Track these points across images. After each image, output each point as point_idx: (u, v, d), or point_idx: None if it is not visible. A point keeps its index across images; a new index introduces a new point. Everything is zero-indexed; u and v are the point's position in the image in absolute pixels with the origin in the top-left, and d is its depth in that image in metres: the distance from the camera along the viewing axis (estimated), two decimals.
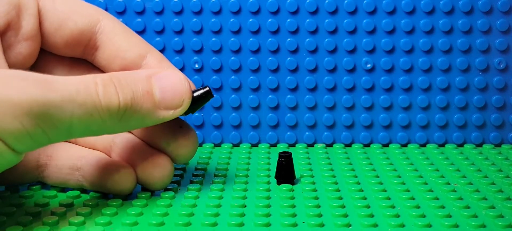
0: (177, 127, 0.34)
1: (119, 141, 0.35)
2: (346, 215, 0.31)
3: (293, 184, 0.36)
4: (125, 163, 0.34)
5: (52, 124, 0.27)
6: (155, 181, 0.34)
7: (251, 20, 0.45)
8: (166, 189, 0.35)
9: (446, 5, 0.45)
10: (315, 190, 0.35)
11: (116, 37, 0.34)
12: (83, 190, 0.35)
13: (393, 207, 0.32)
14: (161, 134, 0.34)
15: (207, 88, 0.33)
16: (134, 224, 0.30)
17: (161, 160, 0.34)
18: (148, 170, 0.34)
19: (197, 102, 0.33)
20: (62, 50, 0.34)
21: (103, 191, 0.34)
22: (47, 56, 0.35)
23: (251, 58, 0.45)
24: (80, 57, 0.35)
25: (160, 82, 0.31)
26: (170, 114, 0.31)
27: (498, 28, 0.45)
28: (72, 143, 0.36)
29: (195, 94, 0.33)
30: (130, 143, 0.35)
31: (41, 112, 0.26)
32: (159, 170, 0.34)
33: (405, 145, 0.46)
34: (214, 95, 0.33)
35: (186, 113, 0.33)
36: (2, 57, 0.30)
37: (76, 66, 0.35)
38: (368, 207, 0.32)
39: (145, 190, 0.35)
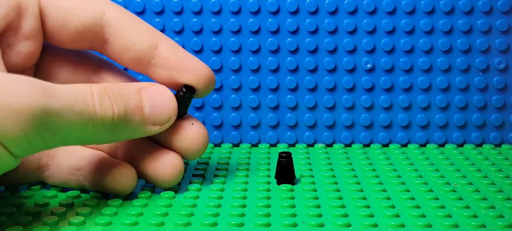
0: (189, 124, 0.34)
1: (125, 141, 0.35)
2: (346, 215, 0.31)
3: (293, 184, 0.36)
4: (125, 162, 0.34)
5: (50, 131, 0.27)
6: (165, 179, 0.34)
7: (251, 20, 0.45)
8: (166, 189, 0.35)
9: (446, 5, 0.45)
10: (315, 190, 0.35)
11: (124, 29, 0.33)
12: (83, 190, 0.35)
13: (393, 207, 0.32)
14: (174, 131, 0.34)
15: (186, 94, 0.34)
16: (134, 224, 0.30)
17: (172, 159, 0.34)
18: (159, 168, 0.34)
19: (180, 107, 0.34)
20: (70, 45, 0.34)
21: (104, 191, 0.34)
22: (52, 56, 0.35)
23: (251, 58, 0.45)
24: (90, 50, 0.35)
25: (150, 98, 0.32)
26: (156, 129, 0.33)
27: (498, 28, 0.45)
28: None
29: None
30: (135, 142, 0.35)
31: (42, 119, 0.26)
32: (169, 168, 0.34)
33: (405, 145, 0.46)
34: (195, 92, 0.34)
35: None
36: (0, 62, 0.30)
37: (81, 66, 0.35)
38: (368, 207, 0.32)
39: (145, 190, 0.35)
